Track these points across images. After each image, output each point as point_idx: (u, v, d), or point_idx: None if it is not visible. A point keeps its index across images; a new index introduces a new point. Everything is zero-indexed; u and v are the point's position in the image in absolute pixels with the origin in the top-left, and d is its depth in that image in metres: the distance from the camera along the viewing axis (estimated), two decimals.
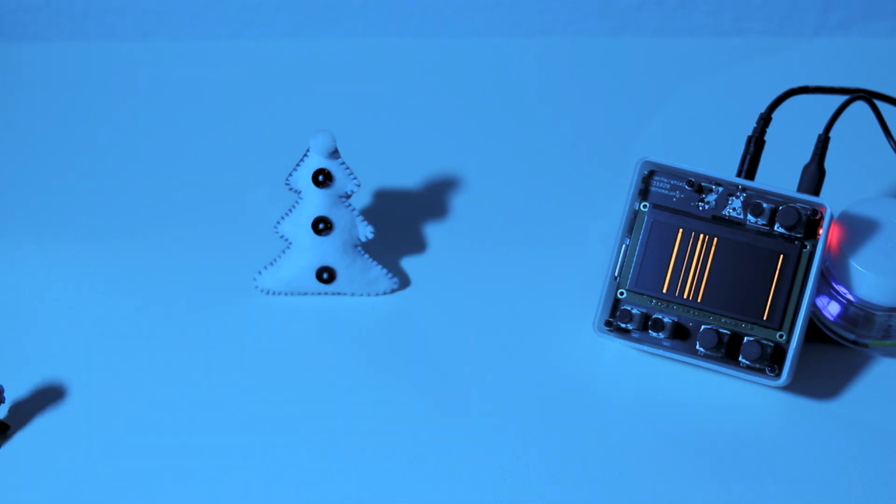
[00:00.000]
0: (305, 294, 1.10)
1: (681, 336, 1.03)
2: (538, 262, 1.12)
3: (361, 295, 1.10)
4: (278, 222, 1.09)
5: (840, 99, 1.07)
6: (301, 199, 1.08)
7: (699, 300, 1.02)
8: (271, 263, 1.10)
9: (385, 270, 1.10)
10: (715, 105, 1.24)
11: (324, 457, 0.99)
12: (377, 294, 1.10)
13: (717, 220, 1.03)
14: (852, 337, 1.05)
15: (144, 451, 1.00)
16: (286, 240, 1.09)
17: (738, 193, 1.03)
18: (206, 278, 1.11)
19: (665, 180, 1.04)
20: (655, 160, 1.03)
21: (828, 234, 1.01)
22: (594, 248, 1.12)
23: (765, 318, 1.01)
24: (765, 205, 1.02)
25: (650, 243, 1.04)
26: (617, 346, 1.06)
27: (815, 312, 1.05)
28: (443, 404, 1.03)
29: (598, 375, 1.04)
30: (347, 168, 1.07)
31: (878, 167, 1.16)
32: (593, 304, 1.06)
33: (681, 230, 1.03)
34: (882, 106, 1.08)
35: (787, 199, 1.02)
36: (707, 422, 1.01)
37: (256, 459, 0.99)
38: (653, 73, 1.28)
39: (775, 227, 1.02)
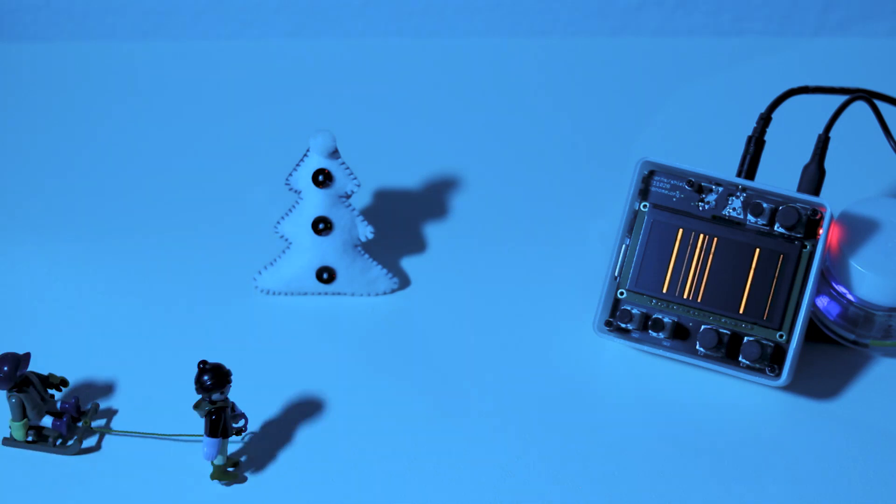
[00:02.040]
0: (305, 294, 1.10)
1: (681, 336, 1.03)
2: (538, 262, 1.12)
3: (361, 295, 1.10)
4: (278, 222, 1.09)
5: (840, 99, 1.07)
6: (301, 199, 1.08)
7: (699, 300, 1.02)
8: (271, 263, 1.10)
9: (385, 270, 1.10)
10: (715, 105, 1.25)
11: (323, 456, 0.99)
12: (377, 294, 1.10)
13: (717, 220, 1.03)
14: (852, 337, 1.05)
15: (143, 450, 1.00)
16: (286, 240, 1.09)
17: (738, 193, 1.03)
18: (206, 278, 1.11)
19: (665, 180, 1.04)
20: (655, 160, 1.03)
21: (828, 234, 1.01)
22: (594, 248, 1.12)
23: (765, 318, 1.01)
24: (765, 205, 1.02)
25: (650, 243, 1.04)
26: (617, 346, 1.06)
27: (815, 312, 1.05)
28: (443, 404, 1.03)
29: (598, 375, 1.04)
30: (347, 168, 1.07)
31: (878, 167, 1.16)
32: (593, 304, 1.06)
33: (681, 230, 1.03)
34: (882, 106, 1.08)
35: (787, 199, 1.02)
36: (707, 422, 1.01)
37: (256, 459, 0.99)
38: (653, 73, 1.28)
39: (775, 227, 1.02)
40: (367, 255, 1.09)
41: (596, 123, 1.23)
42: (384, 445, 1.00)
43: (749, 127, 1.08)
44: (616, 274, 1.04)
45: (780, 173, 1.09)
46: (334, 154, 1.07)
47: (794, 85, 1.09)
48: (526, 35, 1.32)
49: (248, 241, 1.13)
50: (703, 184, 1.04)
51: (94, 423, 1.01)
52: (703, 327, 1.02)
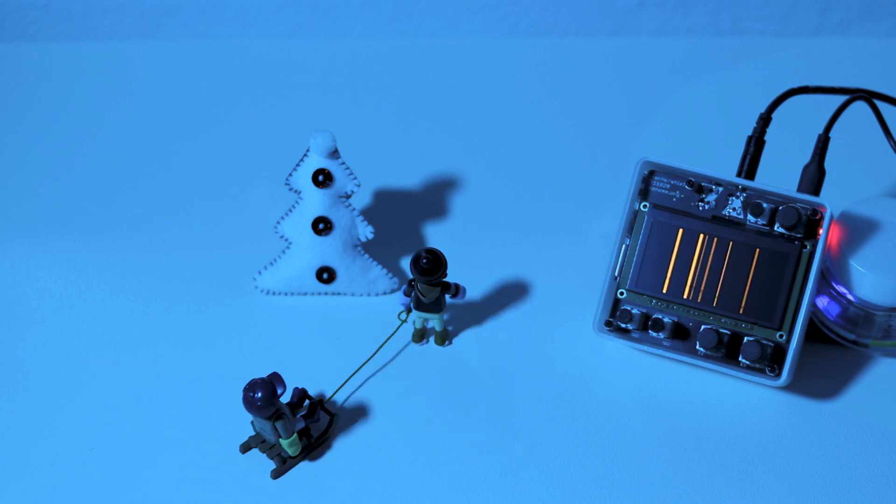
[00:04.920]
0: (305, 294, 1.10)
1: (681, 336, 1.03)
2: (538, 262, 1.12)
3: (361, 295, 1.10)
4: (278, 222, 1.09)
5: (840, 99, 1.08)
6: (301, 199, 1.08)
7: (699, 300, 1.02)
8: (271, 263, 1.10)
9: (385, 270, 1.10)
10: (715, 105, 1.25)
11: (322, 456, 0.99)
12: (377, 294, 1.10)
13: (717, 220, 1.03)
14: (852, 337, 1.05)
15: (146, 451, 1.00)
16: (286, 240, 1.09)
17: (738, 193, 1.03)
18: (206, 278, 1.11)
19: (665, 180, 1.04)
20: (655, 160, 1.04)
21: (828, 234, 1.01)
22: (594, 248, 1.12)
23: (765, 317, 1.01)
24: (765, 205, 1.02)
25: (650, 243, 1.04)
26: (617, 346, 1.06)
27: (815, 312, 1.05)
28: (442, 404, 1.03)
29: (598, 375, 1.04)
30: (347, 168, 1.07)
31: (878, 167, 1.16)
32: (593, 304, 1.06)
33: (681, 230, 1.03)
34: (882, 106, 1.08)
35: (787, 199, 1.02)
36: (707, 422, 1.01)
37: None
38: (653, 73, 1.28)
39: (775, 227, 1.02)
40: (367, 255, 1.09)
41: (596, 123, 1.23)
42: (383, 445, 1.00)
43: (749, 127, 1.08)
44: (616, 274, 1.04)
45: (780, 173, 1.10)
46: (334, 154, 1.07)
47: (794, 85, 1.09)
48: (526, 35, 1.32)
49: (248, 241, 1.13)
50: (703, 184, 1.04)
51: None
52: (703, 327, 1.02)
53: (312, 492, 0.98)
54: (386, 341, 1.05)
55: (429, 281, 1.03)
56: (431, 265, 1.02)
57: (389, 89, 1.27)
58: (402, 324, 1.06)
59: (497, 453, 1.00)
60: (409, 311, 1.05)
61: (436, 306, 1.04)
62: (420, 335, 1.06)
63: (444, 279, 1.04)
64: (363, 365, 1.04)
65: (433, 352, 1.06)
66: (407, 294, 1.05)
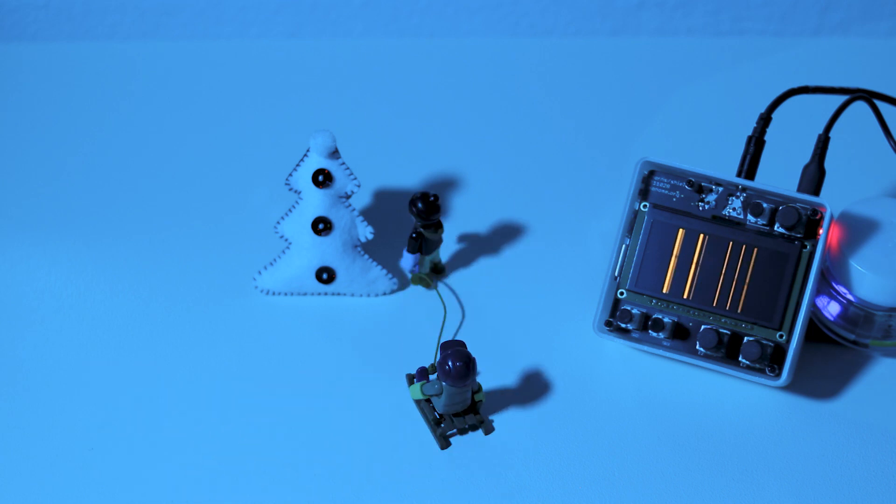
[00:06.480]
0: (305, 294, 1.10)
1: (681, 336, 1.03)
2: (538, 262, 1.12)
3: (361, 295, 1.10)
4: (278, 222, 1.09)
5: (840, 99, 1.08)
6: (301, 199, 1.08)
7: (699, 300, 1.02)
8: (271, 263, 1.10)
9: (385, 270, 1.10)
10: (715, 105, 1.25)
11: (324, 457, 0.99)
12: (377, 294, 1.10)
13: (717, 220, 1.03)
14: (852, 337, 1.05)
15: (146, 451, 1.00)
16: (286, 240, 1.09)
17: (738, 193, 1.03)
18: (206, 278, 1.11)
19: (665, 180, 1.04)
20: (655, 160, 1.04)
21: (828, 234, 1.01)
22: (594, 248, 1.12)
23: (765, 318, 1.01)
24: (765, 205, 1.02)
25: (650, 243, 1.04)
26: (617, 346, 1.06)
27: (815, 312, 1.05)
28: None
29: (598, 375, 1.04)
30: (347, 168, 1.07)
31: (878, 167, 1.16)
32: (593, 304, 1.06)
33: (681, 230, 1.03)
34: (882, 106, 1.08)
35: (787, 199, 1.02)
36: (707, 422, 1.01)
37: (256, 459, 0.99)
38: (653, 73, 1.28)
39: (775, 227, 1.02)
40: (366, 256, 1.09)
41: (596, 123, 1.23)
42: (384, 445, 1.00)
43: (749, 127, 1.08)
44: (616, 274, 1.04)
45: (780, 173, 1.10)
46: (334, 154, 1.07)
47: (794, 85, 1.09)
48: (526, 35, 1.32)
49: (248, 241, 1.13)
50: (703, 184, 1.04)
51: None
52: (703, 327, 1.02)
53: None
54: (443, 301, 1.09)
55: (435, 219, 1.07)
56: (437, 200, 1.06)
57: (389, 89, 1.27)
58: (427, 283, 1.10)
59: (496, 453, 1.00)
60: (420, 269, 1.10)
61: (439, 242, 1.09)
62: (428, 280, 1.10)
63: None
64: (440, 338, 1.06)
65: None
66: (413, 251, 1.08)
